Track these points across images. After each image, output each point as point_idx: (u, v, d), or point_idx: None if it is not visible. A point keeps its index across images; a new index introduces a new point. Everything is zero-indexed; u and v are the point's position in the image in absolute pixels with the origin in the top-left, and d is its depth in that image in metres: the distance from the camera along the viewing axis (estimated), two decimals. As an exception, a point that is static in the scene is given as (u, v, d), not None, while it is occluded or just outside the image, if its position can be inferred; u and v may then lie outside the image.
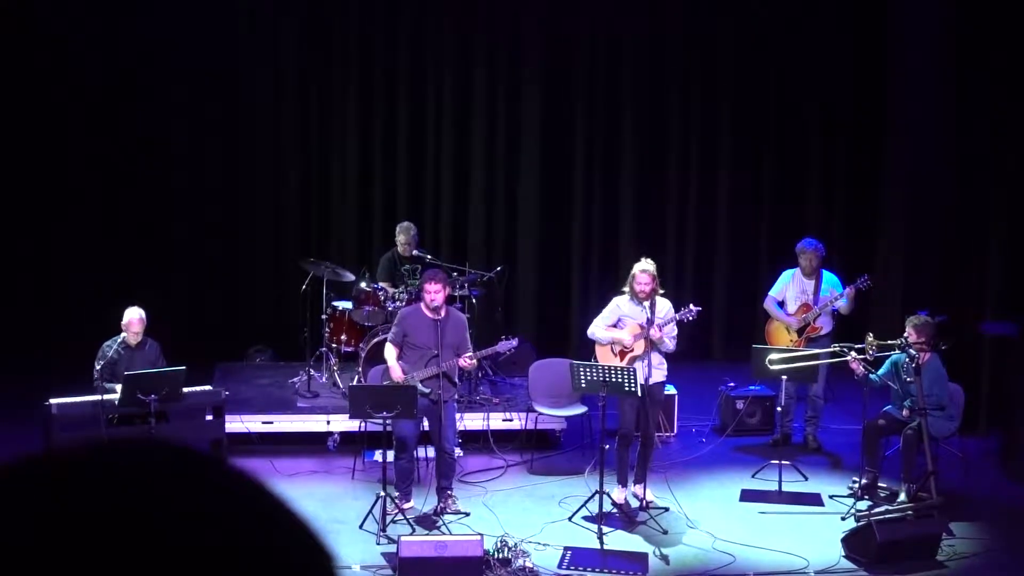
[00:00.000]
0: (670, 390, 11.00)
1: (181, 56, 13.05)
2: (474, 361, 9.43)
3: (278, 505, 0.94)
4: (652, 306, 9.42)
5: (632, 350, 9.54)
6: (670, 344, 9.50)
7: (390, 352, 9.37)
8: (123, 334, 9.89)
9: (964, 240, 12.39)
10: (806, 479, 10.36)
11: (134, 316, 9.92)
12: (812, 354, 10.44)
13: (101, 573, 0.84)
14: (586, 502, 9.43)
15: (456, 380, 9.59)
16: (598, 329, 9.68)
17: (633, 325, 9.54)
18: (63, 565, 0.84)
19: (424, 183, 13.85)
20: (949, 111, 12.52)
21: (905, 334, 9.65)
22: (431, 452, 9.83)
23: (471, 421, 10.85)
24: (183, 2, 13.03)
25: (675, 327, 9.55)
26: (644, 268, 9.43)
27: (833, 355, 10.21)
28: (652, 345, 9.37)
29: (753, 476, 10.44)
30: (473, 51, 13.71)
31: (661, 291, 9.55)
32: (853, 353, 9.80)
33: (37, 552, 0.84)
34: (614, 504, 9.56)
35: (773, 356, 10.26)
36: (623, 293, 9.63)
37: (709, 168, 14.12)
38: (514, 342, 9.77)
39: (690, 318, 9.53)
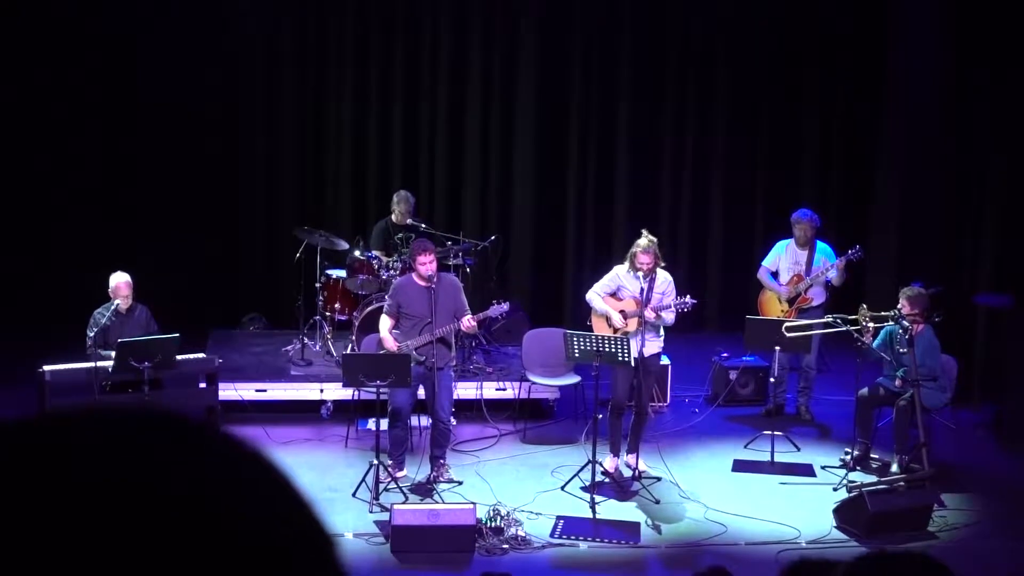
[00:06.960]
0: (664, 361, 11.01)
1: (177, 30, 12.98)
2: (474, 323, 9.43)
3: (278, 477, 0.93)
4: (651, 281, 9.39)
5: (626, 326, 9.51)
6: (668, 318, 9.50)
7: (384, 324, 9.36)
8: (115, 301, 9.86)
9: (959, 211, 12.38)
10: (798, 450, 10.38)
11: (121, 281, 9.88)
12: (807, 324, 10.42)
13: (97, 538, 0.82)
14: (579, 471, 9.45)
15: (452, 346, 9.60)
16: (596, 297, 9.65)
17: (630, 299, 9.52)
18: (58, 531, 0.82)
19: (419, 151, 13.79)
20: (948, 78, 12.47)
21: (899, 305, 9.64)
22: (425, 421, 9.84)
23: (464, 390, 10.86)
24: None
25: (673, 310, 9.53)
26: (646, 248, 9.34)
27: (826, 326, 10.21)
28: (646, 323, 9.36)
29: (746, 447, 10.45)
30: (470, 18, 13.62)
31: (662, 264, 9.53)
32: (869, 322, 9.70)
33: (32, 519, 0.83)
34: (606, 473, 9.58)
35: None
36: (624, 261, 9.61)
37: (704, 137, 14.06)
38: (505, 306, 9.76)
39: (684, 309, 9.50)
